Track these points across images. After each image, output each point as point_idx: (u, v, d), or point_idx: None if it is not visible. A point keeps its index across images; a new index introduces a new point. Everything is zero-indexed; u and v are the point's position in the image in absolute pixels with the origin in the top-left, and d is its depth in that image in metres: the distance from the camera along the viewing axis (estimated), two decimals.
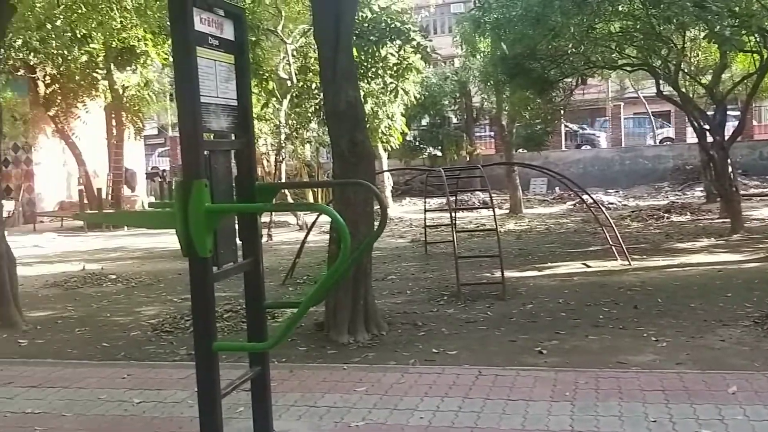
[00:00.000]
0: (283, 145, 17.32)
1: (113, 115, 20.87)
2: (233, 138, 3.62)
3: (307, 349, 5.85)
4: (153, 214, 3.81)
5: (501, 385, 4.47)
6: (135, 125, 21.59)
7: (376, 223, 6.65)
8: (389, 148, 18.35)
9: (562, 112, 19.55)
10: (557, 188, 23.20)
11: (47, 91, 20.13)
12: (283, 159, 18.18)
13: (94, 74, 19.35)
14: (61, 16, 13.26)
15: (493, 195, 9.67)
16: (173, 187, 3.22)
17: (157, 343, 6.37)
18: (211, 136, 3.47)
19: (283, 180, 18.50)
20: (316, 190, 20.98)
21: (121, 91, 19.95)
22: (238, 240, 3.58)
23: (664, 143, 30.22)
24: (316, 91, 16.12)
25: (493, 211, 8.83)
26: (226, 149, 3.57)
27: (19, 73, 18.50)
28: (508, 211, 17.89)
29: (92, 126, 21.21)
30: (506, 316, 6.78)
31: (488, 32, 11.97)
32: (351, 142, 6.12)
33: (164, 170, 30.89)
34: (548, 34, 10.77)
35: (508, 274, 8.14)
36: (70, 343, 6.50)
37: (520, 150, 22.34)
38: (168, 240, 14.65)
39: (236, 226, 3.56)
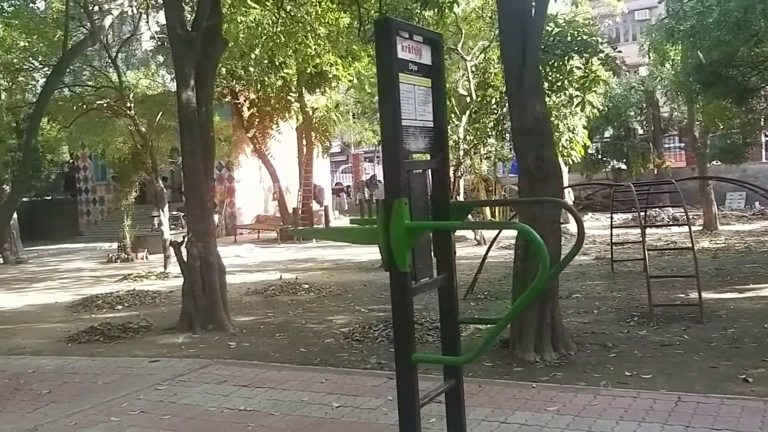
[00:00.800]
0: (462, 160, 17.51)
1: (303, 135, 22.28)
2: (429, 158, 3.77)
3: (492, 365, 5.88)
4: (358, 230, 4.03)
5: (703, 413, 4.23)
6: (323, 144, 22.90)
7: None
8: (570, 162, 17.86)
9: (762, 121, 17.94)
10: (757, 203, 21.38)
11: (247, 115, 21.97)
12: (461, 174, 18.38)
13: (288, 98, 20.80)
14: (260, 46, 14.48)
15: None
16: (376, 205, 3.42)
17: (349, 350, 6.71)
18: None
19: (461, 195, 18.69)
20: (493, 206, 20.94)
21: (310, 113, 21.26)
22: (433, 256, 3.70)
23: None
24: (494, 106, 16.14)
25: (689, 228, 8.32)
26: (423, 169, 3.73)
27: (226, 99, 20.41)
28: (701, 227, 16.72)
29: (285, 145, 22.84)
30: (705, 340, 6.37)
31: (682, 40, 11.35)
32: (538, 159, 6.08)
33: (348, 186, 32.43)
34: (750, 39, 10.02)
35: (705, 295, 7.62)
36: (272, 347, 7.05)
37: (714, 162, 20.78)
38: (352, 252, 15.40)
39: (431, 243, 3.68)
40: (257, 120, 22.06)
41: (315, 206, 22.70)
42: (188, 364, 6.31)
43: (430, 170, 3.77)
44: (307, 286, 10.98)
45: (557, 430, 4.09)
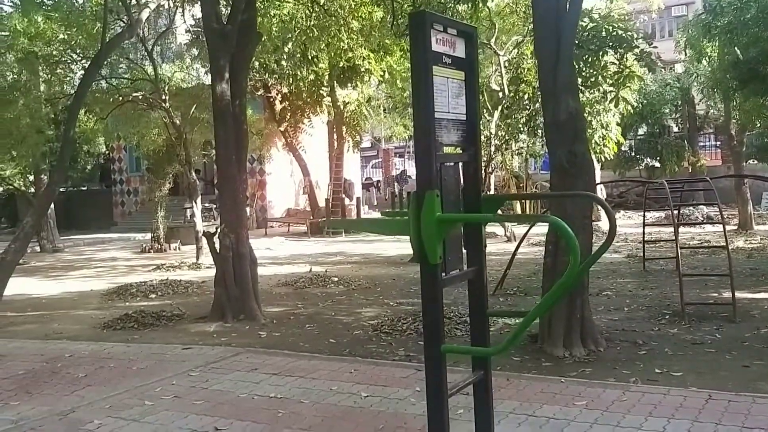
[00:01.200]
0: (493, 156, 17.44)
1: (334, 129, 22.37)
2: (461, 151, 3.78)
3: (521, 359, 5.89)
4: (390, 222, 4.08)
5: (734, 411, 4.20)
6: (353, 138, 22.96)
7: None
8: (603, 159, 17.67)
9: None
10: None
11: (279, 108, 22.12)
12: (492, 170, 18.31)
13: (320, 92, 20.88)
14: (293, 39, 14.57)
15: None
16: (406, 198, 3.46)
17: (377, 342, 6.77)
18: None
19: (492, 191, 18.62)
20: (524, 201, 20.83)
21: (342, 107, 21.32)
22: (463, 249, 3.71)
23: None
24: (526, 101, 16.03)
25: (723, 227, 8.21)
26: (455, 162, 3.75)
27: (258, 93, 20.56)
28: (736, 227, 16.46)
29: (316, 139, 22.96)
30: (737, 339, 6.30)
31: (719, 36, 11.18)
32: (571, 154, 6.05)
33: (378, 181, 32.50)
34: None
35: (738, 294, 7.53)
36: (302, 338, 7.14)
37: (751, 161, 20.42)
38: (381, 247, 15.47)
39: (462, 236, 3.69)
40: (289, 114, 22.19)
41: (346, 200, 22.79)
42: (220, 351, 6.43)
43: (461, 163, 3.80)
44: (336, 278, 11.06)
45: (585, 424, 4.09)
